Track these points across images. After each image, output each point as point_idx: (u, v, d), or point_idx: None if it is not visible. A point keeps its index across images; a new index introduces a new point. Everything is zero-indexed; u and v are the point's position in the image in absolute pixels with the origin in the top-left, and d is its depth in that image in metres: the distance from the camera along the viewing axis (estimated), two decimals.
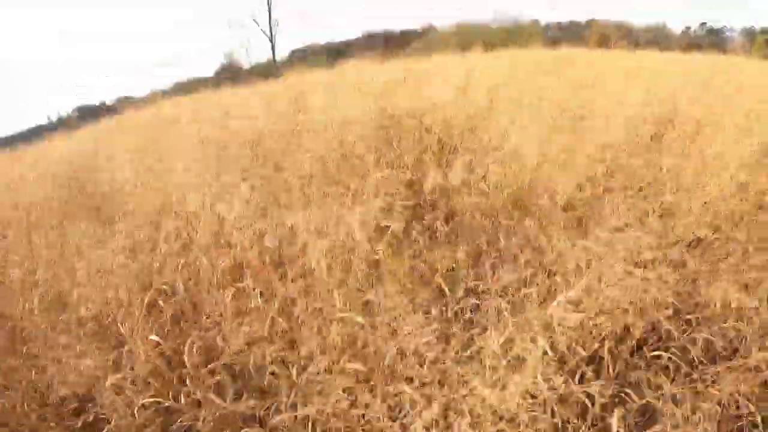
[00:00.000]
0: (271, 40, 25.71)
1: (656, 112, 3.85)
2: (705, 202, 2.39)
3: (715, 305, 1.68)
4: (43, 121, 30.82)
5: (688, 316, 1.79)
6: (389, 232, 2.07)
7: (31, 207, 3.18)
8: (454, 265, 2.28)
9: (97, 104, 38.25)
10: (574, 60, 8.88)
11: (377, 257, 2.10)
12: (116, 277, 2.11)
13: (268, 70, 24.97)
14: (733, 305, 1.61)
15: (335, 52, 38.16)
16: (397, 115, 4.22)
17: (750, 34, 57.34)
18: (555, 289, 1.74)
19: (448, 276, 2.18)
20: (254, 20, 25.37)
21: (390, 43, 39.78)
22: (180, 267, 2.29)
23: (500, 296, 1.82)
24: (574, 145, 2.94)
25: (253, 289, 2.06)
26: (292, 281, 2.03)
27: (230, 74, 22.61)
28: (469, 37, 30.33)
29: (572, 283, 1.58)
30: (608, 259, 1.64)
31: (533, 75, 6.12)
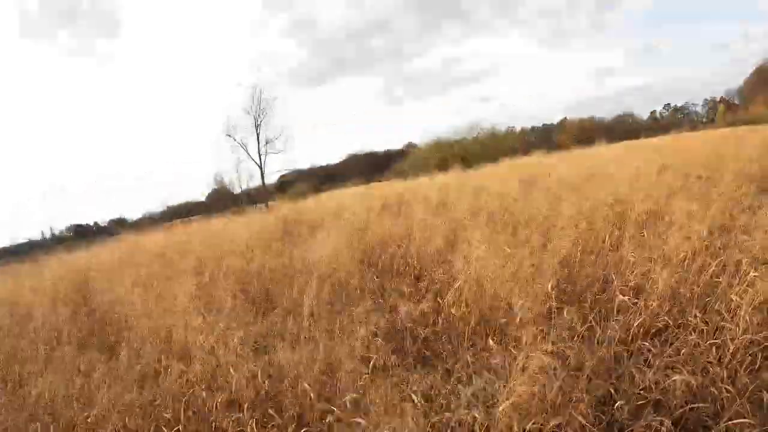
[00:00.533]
0: (260, 167, 27.44)
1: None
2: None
3: None
4: (36, 236, 31.01)
5: None
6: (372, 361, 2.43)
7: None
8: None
9: (92, 224, 39.00)
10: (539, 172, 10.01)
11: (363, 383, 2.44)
12: (127, 411, 2.37)
13: (258, 197, 26.36)
14: None
15: (322, 177, 40.76)
16: (377, 243, 4.82)
17: (713, 104, 62.91)
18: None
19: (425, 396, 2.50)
20: (242, 146, 27.05)
21: (372, 166, 42.99)
22: (182, 401, 2.56)
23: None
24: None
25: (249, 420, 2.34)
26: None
27: (222, 199, 23.73)
28: (447, 153, 32.76)
29: None
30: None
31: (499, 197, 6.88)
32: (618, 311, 2.89)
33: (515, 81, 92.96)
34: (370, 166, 37.48)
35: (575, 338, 2.68)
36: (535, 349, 2.20)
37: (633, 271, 3.24)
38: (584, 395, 2.03)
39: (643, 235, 3.88)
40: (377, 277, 4.00)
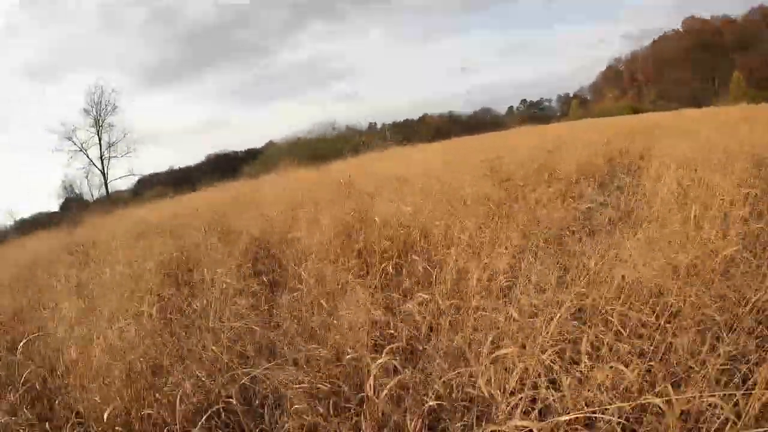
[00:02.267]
0: (103, 173, 25.54)
1: None
2: None
3: None
4: None
5: None
6: None
7: None
8: None
9: None
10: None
11: None
12: None
13: (114, 202, 24.54)
14: None
15: (180, 178, 38.56)
16: None
17: (566, 100, 72.71)
18: None
19: None
20: (83, 150, 24.77)
21: (232, 166, 41.86)
22: None
23: None
24: None
25: None
26: None
27: (76, 208, 21.58)
28: (303, 150, 33.25)
29: None
30: None
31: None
32: None
33: (382, 78, 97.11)
34: (230, 167, 36.81)
35: None
36: None
37: None
38: None
39: None
40: None
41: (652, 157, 5.88)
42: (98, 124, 26.63)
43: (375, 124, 55.18)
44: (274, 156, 33.62)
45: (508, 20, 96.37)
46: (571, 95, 68.76)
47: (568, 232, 3.59)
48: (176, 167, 42.57)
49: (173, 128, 73.57)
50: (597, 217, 4.02)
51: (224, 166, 38.41)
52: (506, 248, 3.00)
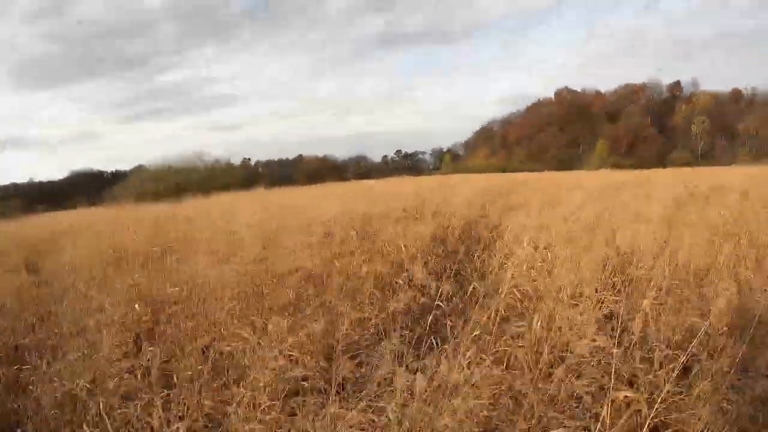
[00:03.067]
0: None
1: None
2: None
3: None
4: None
5: None
6: None
7: None
8: None
9: None
10: None
11: None
12: None
13: None
14: None
15: (37, 195, 33.49)
16: None
17: (440, 154, 76.45)
18: None
19: None
20: None
21: (98, 186, 37.73)
22: None
23: None
24: None
25: None
26: None
27: None
28: (166, 181, 30.96)
29: None
30: None
31: None
32: None
33: (264, 112, 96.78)
34: (96, 186, 33.07)
35: None
36: None
37: None
38: None
39: None
40: None
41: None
42: None
43: (249, 159, 54.12)
44: (138, 184, 31.03)
45: (394, 70, 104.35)
46: (445, 150, 74.26)
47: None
48: (38, 180, 37.41)
49: (41, 135, 64.48)
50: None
51: (91, 186, 34.63)
52: None
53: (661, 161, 45.66)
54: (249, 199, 14.15)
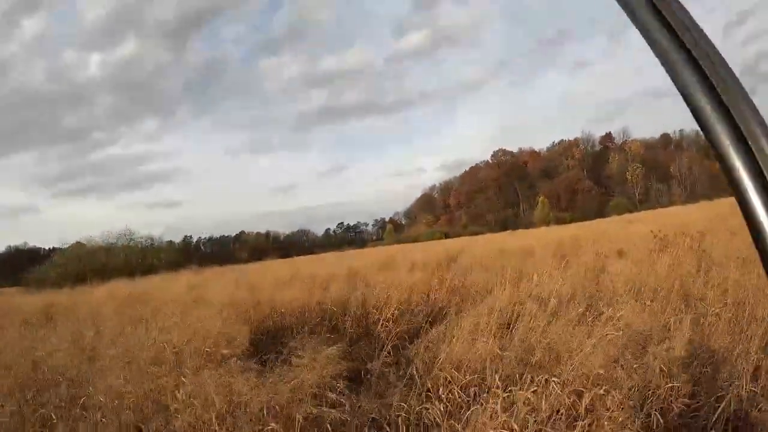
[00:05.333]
0: None
1: None
2: None
3: None
4: None
5: None
6: None
7: None
8: None
9: None
10: None
11: None
12: None
13: None
14: None
15: None
16: None
17: (382, 224, 75.12)
18: None
19: None
20: None
21: (18, 265, 34.23)
22: None
23: None
24: None
25: None
26: None
27: None
28: (94, 261, 28.61)
29: None
30: None
31: None
32: None
33: (204, 188, 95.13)
34: (33, 263, 30.42)
35: None
36: None
37: None
38: None
39: None
40: None
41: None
42: None
43: (191, 237, 52.48)
44: (66, 263, 28.70)
45: (335, 145, 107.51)
46: (387, 219, 75.25)
47: None
48: None
49: None
50: None
51: (26, 264, 32.03)
52: None
53: (601, 211, 46.61)
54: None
